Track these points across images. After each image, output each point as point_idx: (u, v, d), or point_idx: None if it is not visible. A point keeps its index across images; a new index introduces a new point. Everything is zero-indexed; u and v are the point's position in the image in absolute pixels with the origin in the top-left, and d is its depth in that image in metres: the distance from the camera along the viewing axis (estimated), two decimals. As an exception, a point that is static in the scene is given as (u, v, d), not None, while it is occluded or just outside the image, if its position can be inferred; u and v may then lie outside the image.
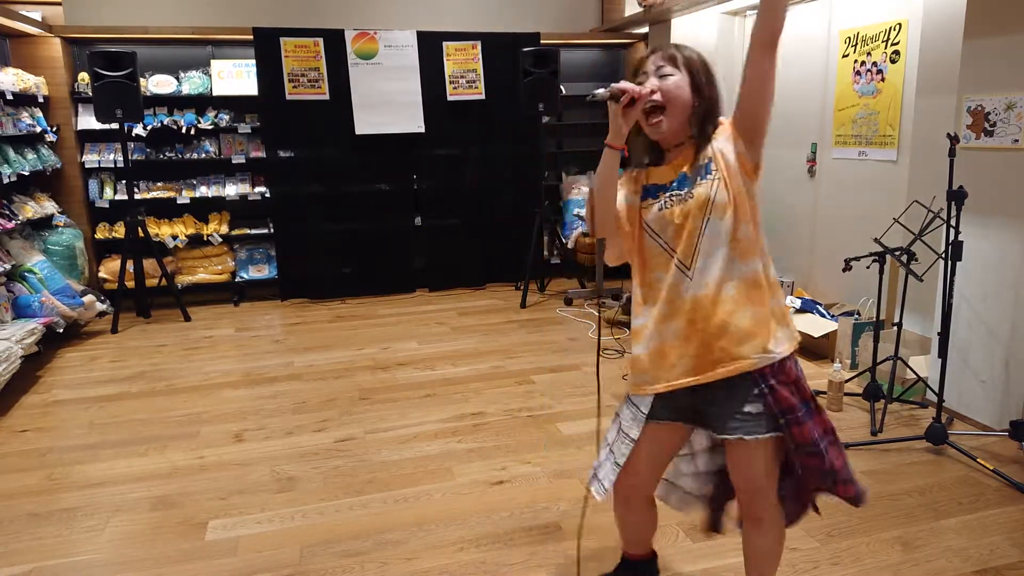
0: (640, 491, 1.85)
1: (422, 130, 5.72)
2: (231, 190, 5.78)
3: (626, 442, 1.76)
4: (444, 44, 5.74)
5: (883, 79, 4.15)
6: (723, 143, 1.62)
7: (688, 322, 1.63)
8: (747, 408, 1.63)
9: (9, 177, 4.42)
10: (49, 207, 5.15)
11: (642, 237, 1.70)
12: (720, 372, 1.62)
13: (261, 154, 5.70)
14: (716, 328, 1.61)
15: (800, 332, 4.22)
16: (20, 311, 4.21)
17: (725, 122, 1.67)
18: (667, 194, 1.65)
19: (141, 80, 5.19)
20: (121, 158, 5.23)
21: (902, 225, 3.38)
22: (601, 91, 1.58)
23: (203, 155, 5.66)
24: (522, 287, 5.67)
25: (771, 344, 1.62)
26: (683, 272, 1.63)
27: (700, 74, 1.63)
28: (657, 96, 1.59)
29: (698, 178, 1.62)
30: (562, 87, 5.61)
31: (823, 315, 4.33)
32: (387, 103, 5.63)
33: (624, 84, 1.58)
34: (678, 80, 1.61)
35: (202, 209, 5.81)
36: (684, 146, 1.66)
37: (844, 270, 3.43)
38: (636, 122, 1.64)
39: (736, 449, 1.67)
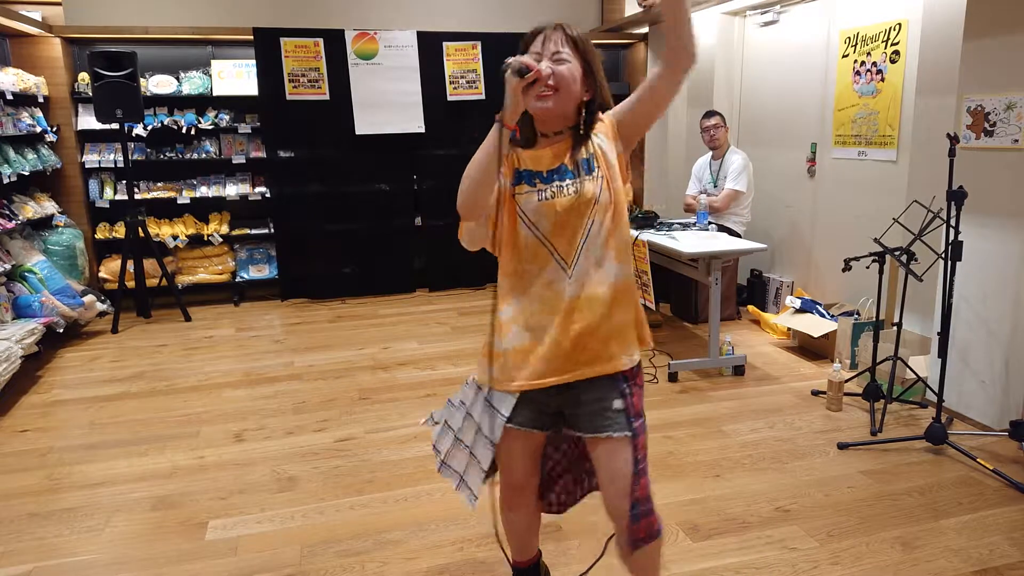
0: (521, 497, 1.85)
1: (422, 130, 5.72)
2: (231, 190, 5.78)
3: (489, 448, 1.71)
4: (444, 44, 5.74)
5: (883, 79, 4.15)
6: (604, 141, 1.59)
7: (563, 321, 1.57)
8: (615, 404, 1.61)
9: (9, 177, 4.42)
10: (49, 207, 5.15)
11: (515, 224, 1.60)
12: (591, 371, 1.60)
13: (261, 154, 5.70)
14: (592, 328, 1.57)
15: (800, 332, 4.27)
16: (20, 311, 4.22)
17: (605, 118, 1.62)
18: (548, 185, 1.57)
19: (141, 80, 5.19)
20: (121, 158, 5.23)
21: (902, 225, 3.38)
22: (512, 60, 1.49)
23: (203, 155, 5.67)
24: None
25: (635, 348, 1.64)
26: (562, 269, 1.58)
27: (594, 66, 1.58)
28: (551, 81, 1.53)
29: (583, 173, 1.57)
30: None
31: (823, 315, 4.33)
32: (387, 103, 5.63)
33: (530, 60, 1.51)
34: (572, 67, 1.55)
35: (202, 209, 5.82)
36: (562, 135, 1.61)
37: (844, 270, 3.43)
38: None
39: (604, 448, 1.62)
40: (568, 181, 1.57)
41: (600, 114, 1.62)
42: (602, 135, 1.60)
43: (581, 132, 1.60)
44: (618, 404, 1.61)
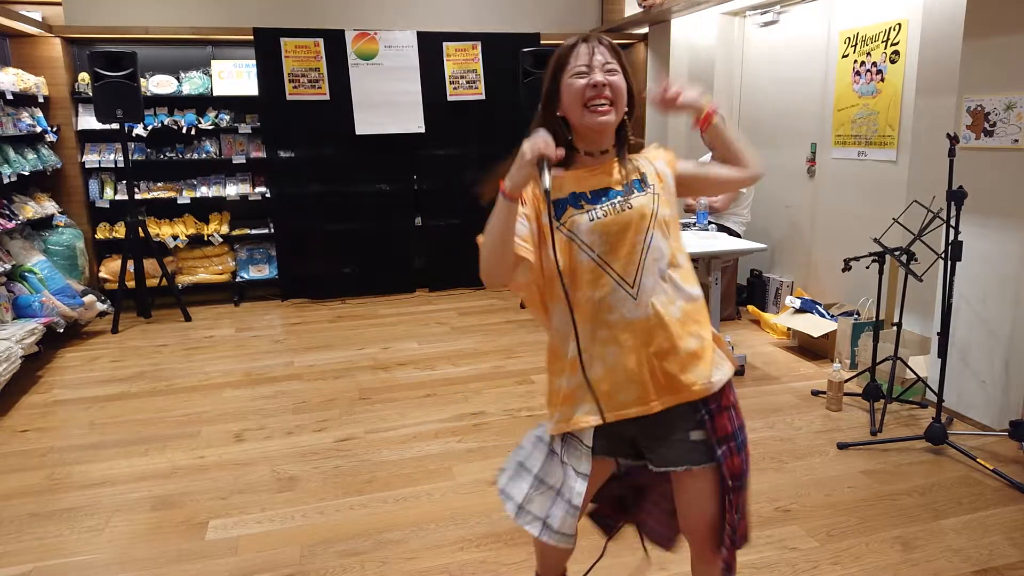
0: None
1: (422, 130, 5.72)
2: (231, 190, 5.78)
3: (580, 481, 1.54)
4: (444, 44, 5.74)
5: (883, 79, 4.15)
6: (662, 165, 1.57)
7: (632, 346, 1.47)
8: (692, 436, 1.51)
9: (9, 177, 4.42)
10: (49, 207, 5.15)
11: (571, 251, 1.49)
12: (668, 400, 1.49)
13: (261, 154, 5.70)
14: (663, 353, 1.47)
15: (800, 332, 4.26)
16: (20, 311, 4.22)
17: (660, 149, 1.61)
18: (596, 205, 1.48)
19: (141, 80, 5.19)
20: (121, 158, 5.23)
21: (902, 225, 3.38)
22: (547, 179, 1.38)
23: (203, 155, 5.67)
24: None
25: (714, 369, 1.52)
26: (625, 290, 1.47)
27: (631, 79, 1.54)
28: (607, 92, 1.47)
29: (634, 191, 1.51)
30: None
31: (823, 315, 4.33)
32: (387, 103, 5.63)
33: (548, 151, 1.39)
34: (621, 81, 1.50)
35: (202, 209, 5.82)
36: (608, 155, 1.54)
37: (844, 270, 3.43)
38: (554, 120, 1.51)
39: (685, 482, 1.54)
40: (619, 199, 1.49)
41: (658, 145, 1.63)
42: (663, 161, 1.59)
43: (620, 148, 1.55)
44: (695, 435, 1.51)
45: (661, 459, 1.53)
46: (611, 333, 1.48)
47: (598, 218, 1.48)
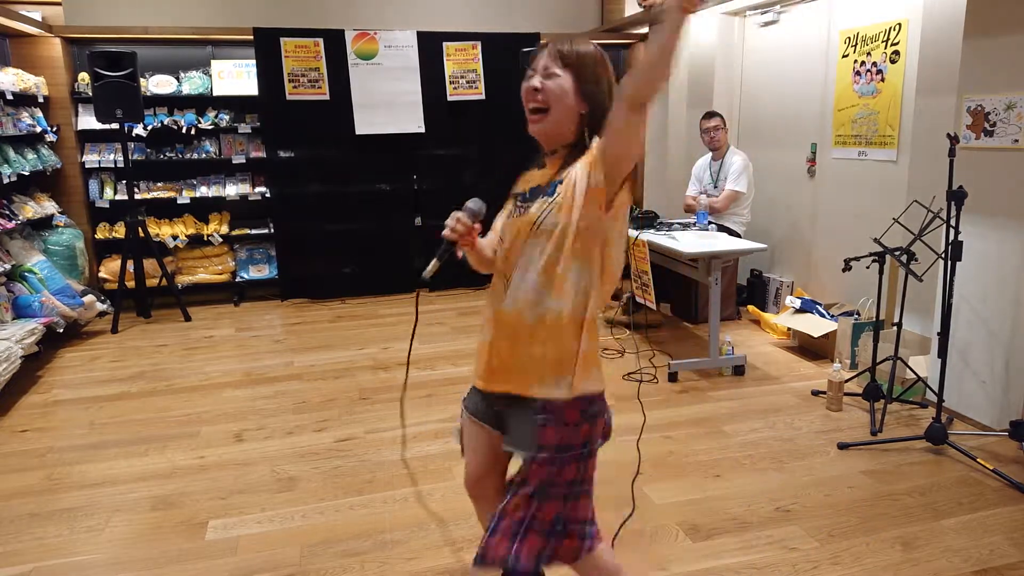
0: (477, 488, 1.83)
1: (422, 130, 5.72)
2: (231, 190, 5.78)
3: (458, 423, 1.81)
4: (444, 44, 5.74)
5: (883, 79, 4.15)
6: (579, 169, 1.51)
7: (494, 331, 1.62)
8: (524, 426, 1.58)
9: (9, 177, 4.42)
10: (49, 207, 5.15)
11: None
12: (502, 388, 1.61)
13: (261, 154, 5.70)
14: (507, 348, 1.59)
15: (800, 332, 4.26)
16: (20, 311, 4.21)
17: (593, 145, 1.54)
18: (524, 203, 1.60)
19: (141, 80, 5.19)
20: (121, 158, 5.23)
21: (902, 225, 3.38)
22: (431, 266, 1.61)
23: (203, 155, 5.67)
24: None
25: (551, 386, 1.54)
26: (503, 283, 1.61)
27: (586, 77, 1.52)
28: (539, 96, 1.52)
29: (541, 195, 1.55)
30: None
31: (823, 315, 4.33)
32: (387, 103, 5.63)
33: (446, 233, 1.60)
34: (562, 83, 1.51)
35: (202, 209, 5.82)
36: (557, 155, 1.58)
37: (844, 270, 3.43)
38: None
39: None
40: (528, 203, 1.58)
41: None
42: (581, 164, 1.52)
43: (574, 150, 1.55)
44: (526, 427, 1.57)
45: (508, 436, 1.66)
46: (491, 312, 1.65)
47: (511, 218, 1.63)
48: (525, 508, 1.56)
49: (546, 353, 1.55)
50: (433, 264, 1.60)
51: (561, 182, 1.53)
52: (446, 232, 1.60)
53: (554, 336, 1.55)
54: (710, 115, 4.97)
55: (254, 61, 5.48)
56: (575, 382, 1.55)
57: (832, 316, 4.28)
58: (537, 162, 1.67)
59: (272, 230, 5.76)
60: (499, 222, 1.71)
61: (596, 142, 1.53)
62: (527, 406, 1.57)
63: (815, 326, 4.21)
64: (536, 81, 1.53)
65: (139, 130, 5.42)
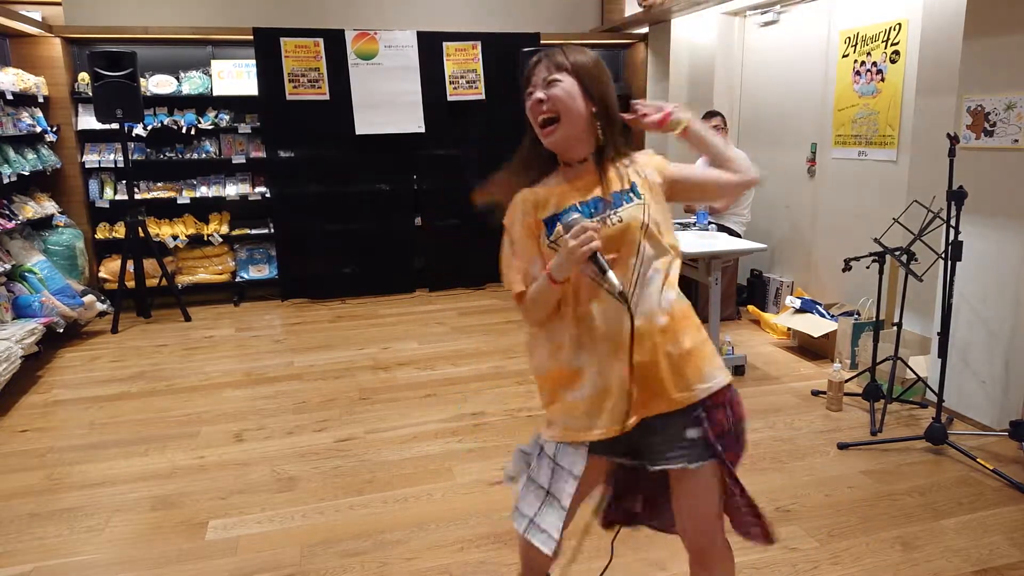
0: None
1: (422, 130, 5.72)
2: (231, 190, 5.78)
3: (569, 482, 1.55)
4: (444, 44, 5.74)
5: (883, 79, 4.15)
6: (652, 174, 1.54)
7: (627, 356, 1.47)
8: (688, 434, 1.50)
9: (9, 177, 4.42)
10: (49, 207, 5.15)
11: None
12: (662, 406, 1.50)
13: (261, 154, 5.70)
14: (658, 360, 1.48)
15: (800, 332, 4.26)
16: (20, 311, 4.21)
17: (652, 156, 1.59)
18: (588, 216, 1.48)
19: (141, 80, 5.19)
20: (121, 158, 5.23)
21: (902, 225, 3.38)
22: (613, 277, 1.40)
23: (203, 155, 5.67)
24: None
25: (713, 371, 1.53)
26: (623, 303, 1.45)
27: (589, 77, 1.50)
28: (546, 107, 1.48)
29: (623, 202, 1.49)
30: None
31: (823, 315, 4.33)
32: (387, 103, 5.63)
33: (593, 244, 1.40)
34: (566, 86, 1.48)
35: (202, 209, 5.82)
36: (587, 163, 1.53)
37: (844, 270, 3.43)
38: (534, 135, 1.53)
39: (682, 481, 1.54)
40: (608, 212, 1.48)
41: (652, 152, 1.60)
42: (653, 169, 1.55)
43: (607, 151, 1.53)
44: (691, 433, 1.50)
45: (658, 457, 1.53)
46: (610, 345, 1.48)
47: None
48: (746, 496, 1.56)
49: (694, 346, 1.52)
50: (613, 275, 1.41)
51: (636, 186, 1.51)
52: (593, 244, 1.39)
53: (694, 323, 1.55)
54: (710, 115, 4.97)
55: (254, 61, 5.48)
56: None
57: (832, 316, 4.28)
58: (533, 181, 1.57)
59: (272, 230, 5.76)
60: (527, 258, 1.54)
61: (668, 163, 1.59)
62: (674, 414, 1.50)
63: (815, 326, 4.21)
64: (540, 93, 1.49)
65: (139, 130, 5.42)
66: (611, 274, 1.40)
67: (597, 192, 1.51)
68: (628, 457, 1.60)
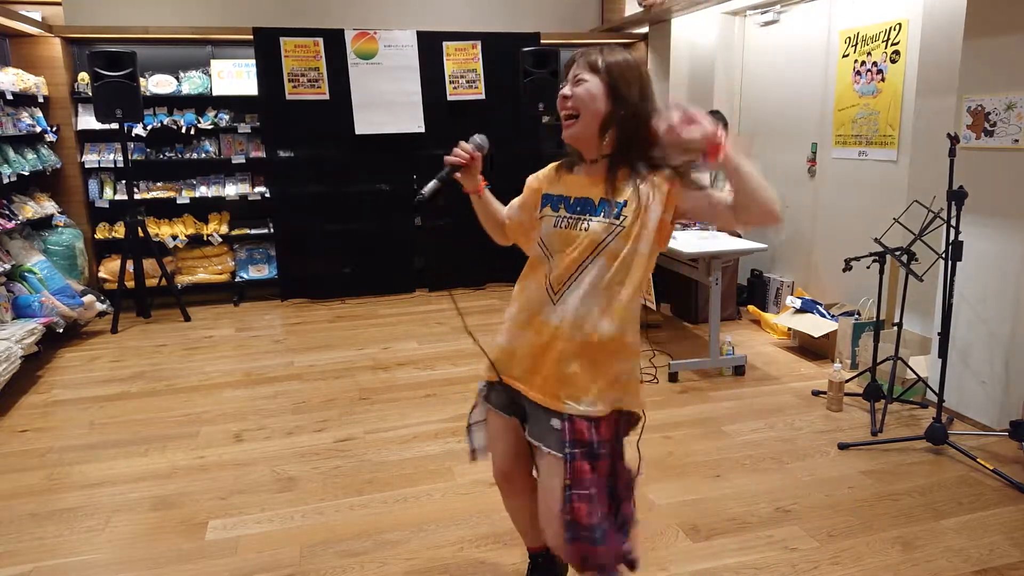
0: (513, 485, 1.87)
1: (422, 130, 5.72)
2: (231, 190, 5.78)
3: (480, 418, 1.86)
4: (444, 44, 5.74)
5: (883, 79, 4.15)
6: (653, 200, 1.54)
7: (537, 342, 1.64)
8: (553, 423, 1.62)
9: (9, 177, 4.42)
10: (49, 207, 5.15)
11: (531, 240, 1.73)
12: (539, 397, 1.64)
13: (261, 154, 5.70)
14: (553, 363, 1.61)
15: (800, 332, 4.26)
16: (20, 311, 4.21)
17: (666, 181, 1.55)
18: (571, 213, 1.61)
19: (141, 80, 5.19)
20: (121, 158, 5.23)
21: (902, 225, 3.38)
22: (430, 184, 1.67)
23: (203, 155, 5.66)
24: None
25: (588, 404, 1.59)
26: (549, 295, 1.62)
27: (619, 81, 1.55)
28: (569, 103, 1.58)
29: (608, 215, 1.55)
30: None
31: (823, 315, 4.33)
32: (387, 103, 5.63)
33: (449, 158, 1.68)
34: (590, 87, 1.55)
35: (202, 209, 5.81)
36: (600, 164, 1.61)
37: (844, 270, 3.43)
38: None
39: (540, 459, 1.67)
40: (589, 216, 1.58)
41: (672, 175, 1.56)
42: (659, 197, 1.55)
43: (617, 160, 1.58)
44: (555, 423, 1.61)
45: (531, 431, 1.69)
46: (529, 320, 1.67)
47: (561, 227, 1.62)
48: (585, 511, 1.59)
49: (585, 377, 1.59)
50: (433, 184, 1.66)
51: (625, 204, 1.55)
52: (449, 157, 1.68)
53: (603, 363, 1.60)
54: (710, 114, 4.96)
55: (254, 61, 5.48)
56: (628, 399, 1.64)
57: (832, 316, 4.28)
58: (567, 162, 1.72)
59: (272, 230, 5.76)
60: (517, 202, 1.81)
61: (669, 183, 1.55)
62: (553, 414, 1.63)
63: (815, 326, 4.21)
64: (566, 89, 1.59)
65: (139, 130, 5.42)
66: (429, 184, 1.66)
67: (596, 193, 1.60)
68: (523, 420, 1.74)
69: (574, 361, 1.59)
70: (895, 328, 3.39)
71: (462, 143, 1.71)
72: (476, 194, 1.77)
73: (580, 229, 1.58)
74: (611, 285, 1.57)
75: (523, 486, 1.86)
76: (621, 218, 1.55)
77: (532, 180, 1.78)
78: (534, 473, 1.78)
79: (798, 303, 4.46)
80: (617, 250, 1.55)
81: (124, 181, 5.35)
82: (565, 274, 1.60)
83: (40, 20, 5.29)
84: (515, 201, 1.82)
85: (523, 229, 1.78)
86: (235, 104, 5.72)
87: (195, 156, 5.65)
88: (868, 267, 3.43)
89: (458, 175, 1.72)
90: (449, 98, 5.80)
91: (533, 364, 1.65)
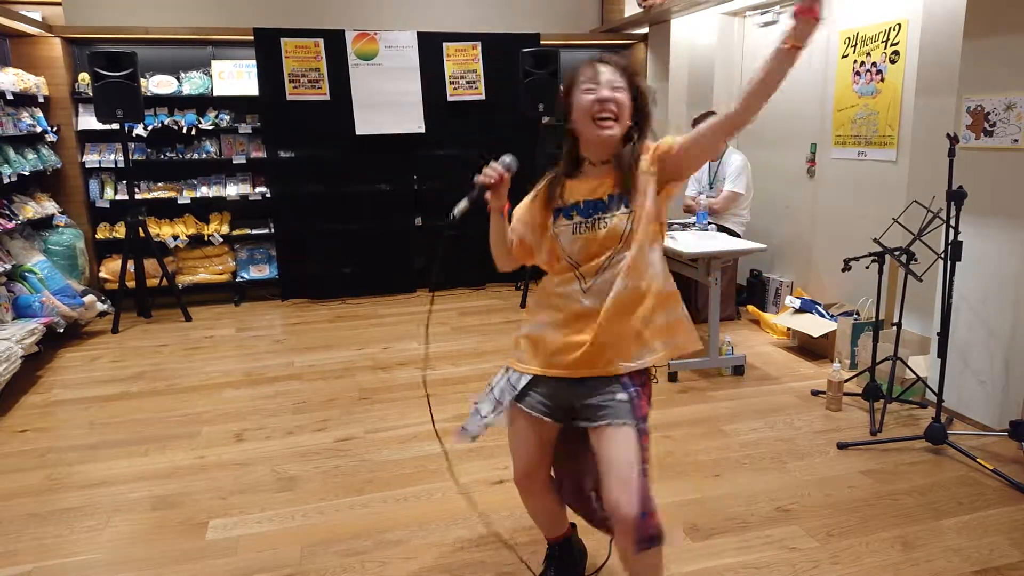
0: (527, 481, 1.91)
1: (422, 130, 5.72)
2: (232, 190, 5.78)
3: (493, 402, 1.88)
4: (444, 45, 5.74)
5: (883, 79, 4.15)
6: (645, 167, 1.71)
7: (576, 326, 1.73)
8: (618, 396, 1.70)
9: (9, 177, 4.42)
10: (49, 207, 5.15)
11: (554, 255, 1.79)
12: (591, 372, 1.72)
13: (262, 154, 5.70)
14: (598, 336, 1.70)
15: (800, 332, 4.26)
16: (20, 311, 4.22)
17: (651, 146, 1.74)
18: (585, 218, 1.73)
19: (141, 80, 5.19)
20: (121, 158, 5.23)
21: (901, 225, 3.38)
22: (461, 204, 1.74)
23: (204, 155, 5.67)
24: (522, 287, 5.68)
25: (644, 352, 1.72)
26: (579, 283, 1.74)
27: (640, 94, 1.72)
28: (612, 107, 1.67)
29: (616, 206, 1.71)
30: (562, 88, 5.62)
31: (822, 315, 4.33)
32: (387, 103, 5.63)
33: (480, 178, 1.73)
34: (625, 97, 1.70)
35: (203, 209, 5.82)
36: (608, 165, 1.74)
37: (843, 270, 3.43)
38: (570, 132, 1.74)
39: (605, 436, 1.69)
40: (601, 214, 1.71)
41: (648, 143, 1.74)
42: (647, 162, 1.71)
43: (626, 161, 1.70)
44: (621, 396, 1.70)
45: (587, 416, 1.73)
46: (565, 315, 1.75)
47: (580, 233, 1.73)
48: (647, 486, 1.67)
49: (626, 330, 1.70)
50: (464, 204, 1.74)
51: (628, 192, 1.70)
52: (480, 177, 1.73)
53: (631, 311, 1.70)
54: (710, 115, 4.96)
55: (254, 61, 5.48)
56: (677, 343, 1.77)
57: (832, 316, 4.28)
58: (562, 172, 1.80)
59: (272, 230, 5.76)
60: (519, 213, 1.88)
61: (663, 145, 1.72)
62: (603, 381, 1.71)
63: (815, 326, 4.21)
64: (607, 92, 1.68)
65: (139, 130, 5.42)
66: (460, 204, 1.73)
67: (604, 191, 1.72)
68: (562, 421, 1.79)
69: (616, 323, 1.69)
70: (894, 328, 3.39)
71: (492, 163, 1.76)
72: (500, 213, 1.83)
73: (600, 228, 1.70)
74: (635, 257, 1.69)
75: (544, 485, 1.92)
76: (629, 207, 1.70)
77: (523, 206, 1.87)
78: (553, 468, 1.91)
79: (797, 303, 4.46)
80: (635, 231, 1.69)
81: (125, 181, 5.35)
82: (596, 265, 1.71)
83: (40, 20, 5.29)
84: (515, 225, 1.89)
85: (527, 249, 1.88)
86: (236, 104, 5.72)
87: (196, 156, 5.65)
88: (867, 267, 3.43)
89: (487, 195, 1.78)
90: (449, 99, 5.80)
91: (578, 348, 1.71)
